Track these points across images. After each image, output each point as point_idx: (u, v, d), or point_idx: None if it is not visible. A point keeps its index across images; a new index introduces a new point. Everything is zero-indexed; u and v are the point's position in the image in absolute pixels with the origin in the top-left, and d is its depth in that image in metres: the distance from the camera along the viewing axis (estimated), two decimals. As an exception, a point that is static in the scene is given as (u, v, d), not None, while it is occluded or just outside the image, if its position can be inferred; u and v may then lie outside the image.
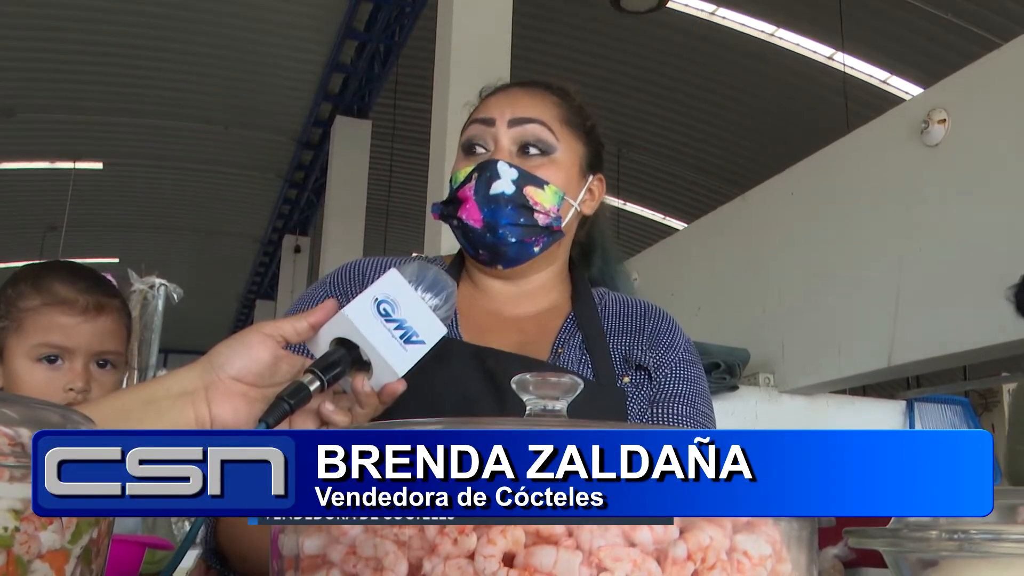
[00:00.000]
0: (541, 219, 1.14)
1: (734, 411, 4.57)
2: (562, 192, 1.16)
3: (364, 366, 0.82)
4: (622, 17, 7.80)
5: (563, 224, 1.18)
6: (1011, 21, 7.02)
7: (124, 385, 2.50)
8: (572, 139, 1.19)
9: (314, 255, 12.70)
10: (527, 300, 1.21)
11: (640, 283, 6.20)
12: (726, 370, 4.46)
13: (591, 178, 1.22)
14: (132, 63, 9.35)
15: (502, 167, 1.13)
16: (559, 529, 0.41)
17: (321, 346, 0.82)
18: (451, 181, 1.18)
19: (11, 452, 0.43)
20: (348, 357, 0.81)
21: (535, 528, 0.41)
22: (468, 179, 1.15)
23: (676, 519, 0.43)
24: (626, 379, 1.16)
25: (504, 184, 1.13)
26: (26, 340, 1.33)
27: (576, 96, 1.25)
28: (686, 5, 8.12)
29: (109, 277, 1.50)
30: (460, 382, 1.08)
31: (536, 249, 1.17)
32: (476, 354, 1.11)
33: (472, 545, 0.41)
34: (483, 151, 1.16)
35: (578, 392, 0.55)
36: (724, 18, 8.32)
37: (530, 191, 1.13)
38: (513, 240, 1.14)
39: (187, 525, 2.53)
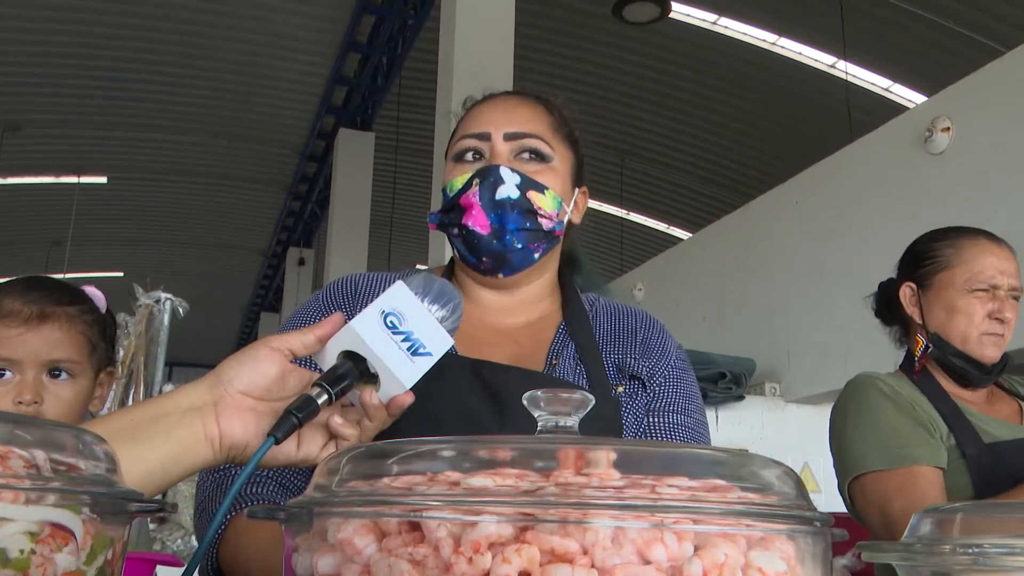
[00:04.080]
0: (545, 223, 1.14)
1: (740, 421, 4.56)
2: (560, 198, 1.17)
3: (372, 379, 0.82)
4: (625, 28, 7.83)
5: (562, 229, 1.18)
6: (1013, 28, 7.03)
7: (130, 400, 2.51)
8: (564, 148, 1.20)
9: (318, 267, 12.73)
10: (520, 310, 1.21)
11: (645, 293, 6.20)
12: (732, 380, 4.45)
13: (577, 191, 1.23)
14: (136, 78, 9.39)
15: (505, 172, 1.13)
16: (574, 547, 0.41)
17: (328, 359, 0.82)
18: (446, 190, 1.18)
19: (26, 475, 0.43)
20: (355, 370, 0.81)
21: (550, 546, 0.41)
22: (468, 185, 1.14)
23: (691, 536, 0.43)
24: (620, 389, 1.16)
25: (509, 189, 1.12)
26: None
27: (561, 106, 1.25)
28: (688, 15, 8.13)
29: (90, 288, 1.47)
30: (458, 396, 1.07)
31: (536, 255, 1.17)
32: (472, 367, 1.10)
33: (487, 564, 0.41)
34: (479, 158, 1.16)
35: (589, 408, 0.55)
36: (726, 27, 8.33)
37: (533, 195, 1.13)
38: (519, 246, 1.14)
39: (178, 537, 2.53)
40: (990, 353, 1.64)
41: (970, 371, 1.65)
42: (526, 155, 1.15)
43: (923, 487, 1.51)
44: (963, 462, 1.56)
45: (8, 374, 1.30)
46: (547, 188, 1.14)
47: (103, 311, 1.44)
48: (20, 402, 1.29)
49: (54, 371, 1.33)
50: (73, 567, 0.43)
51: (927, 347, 1.68)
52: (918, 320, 1.72)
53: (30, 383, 1.30)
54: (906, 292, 1.74)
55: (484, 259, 1.15)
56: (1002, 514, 0.52)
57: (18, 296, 1.33)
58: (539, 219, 1.14)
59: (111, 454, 0.49)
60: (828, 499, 4.38)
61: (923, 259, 1.73)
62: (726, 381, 4.42)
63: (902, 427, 1.59)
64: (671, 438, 1.16)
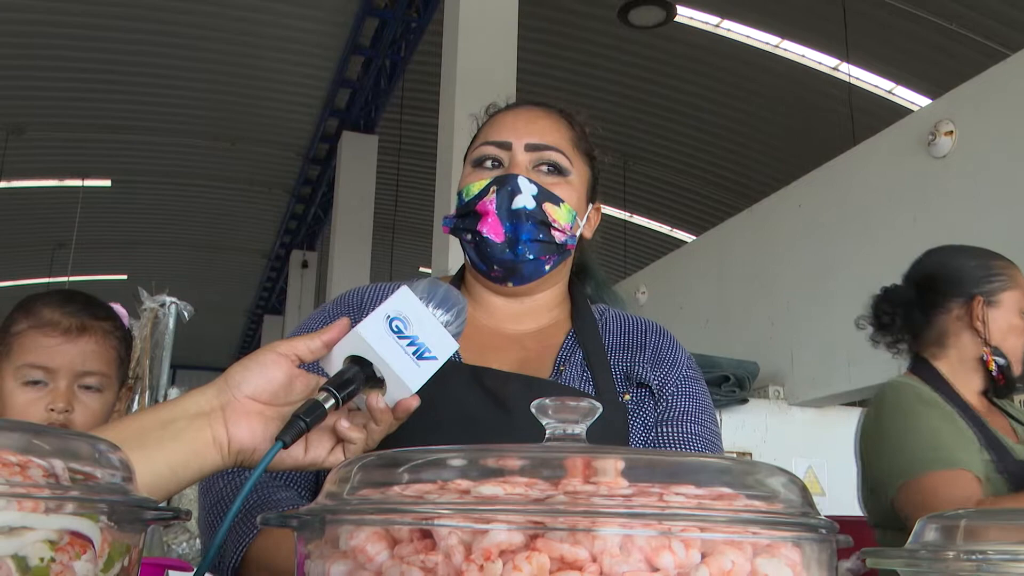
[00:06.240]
0: (558, 236, 1.15)
1: (744, 424, 4.57)
2: (575, 212, 1.17)
3: (378, 383, 0.82)
4: (628, 31, 7.83)
5: (574, 243, 1.19)
6: (1016, 31, 7.03)
7: (136, 404, 2.51)
8: (581, 163, 1.21)
9: (321, 270, 12.73)
10: (529, 317, 1.22)
11: (648, 296, 6.20)
12: (735, 383, 4.45)
13: (590, 206, 1.24)
14: (140, 81, 9.41)
15: (523, 182, 1.13)
16: (583, 554, 0.42)
17: (335, 364, 0.83)
18: (462, 194, 1.18)
19: (45, 483, 0.43)
20: (362, 374, 0.82)
21: (559, 554, 0.42)
22: (485, 192, 1.14)
23: (698, 544, 0.43)
24: (627, 396, 1.16)
25: (525, 199, 1.13)
26: (13, 363, 1.35)
27: (583, 122, 1.25)
28: (691, 18, 8.14)
29: (116, 306, 1.50)
30: (461, 401, 1.08)
31: (548, 267, 1.17)
32: (474, 374, 1.11)
33: (498, 571, 0.41)
34: (498, 166, 1.17)
35: (596, 416, 0.56)
36: (729, 30, 8.33)
37: (548, 207, 1.14)
38: (531, 257, 1.14)
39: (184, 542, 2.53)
40: None
41: (1014, 387, 1.75)
42: (545, 167, 1.16)
43: (968, 490, 1.54)
44: (1001, 478, 1.59)
45: (43, 383, 1.33)
46: (563, 201, 1.15)
47: (127, 328, 1.48)
48: (52, 409, 1.32)
49: (86, 384, 1.37)
50: (91, 574, 0.43)
51: (1001, 364, 1.74)
52: (982, 334, 1.75)
53: (63, 392, 1.33)
54: (977, 305, 1.76)
55: (495, 267, 1.16)
56: (1006, 520, 0.53)
57: (57, 307, 1.37)
58: (552, 231, 1.14)
59: (126, 462, 0.50)
60: (832, 502, 4.39)
61: (991, 275, 1.79)
62: (730, 384, 4.42)
63: (945, 433, 1.63)
64: (685, 448, 1.16)
